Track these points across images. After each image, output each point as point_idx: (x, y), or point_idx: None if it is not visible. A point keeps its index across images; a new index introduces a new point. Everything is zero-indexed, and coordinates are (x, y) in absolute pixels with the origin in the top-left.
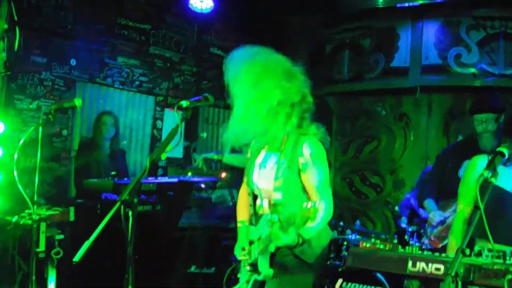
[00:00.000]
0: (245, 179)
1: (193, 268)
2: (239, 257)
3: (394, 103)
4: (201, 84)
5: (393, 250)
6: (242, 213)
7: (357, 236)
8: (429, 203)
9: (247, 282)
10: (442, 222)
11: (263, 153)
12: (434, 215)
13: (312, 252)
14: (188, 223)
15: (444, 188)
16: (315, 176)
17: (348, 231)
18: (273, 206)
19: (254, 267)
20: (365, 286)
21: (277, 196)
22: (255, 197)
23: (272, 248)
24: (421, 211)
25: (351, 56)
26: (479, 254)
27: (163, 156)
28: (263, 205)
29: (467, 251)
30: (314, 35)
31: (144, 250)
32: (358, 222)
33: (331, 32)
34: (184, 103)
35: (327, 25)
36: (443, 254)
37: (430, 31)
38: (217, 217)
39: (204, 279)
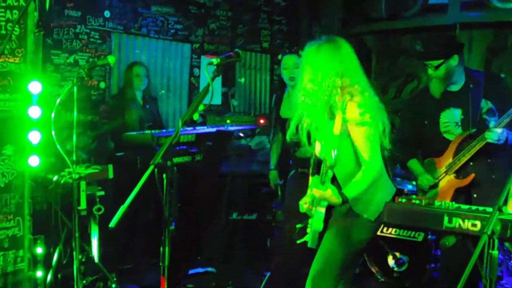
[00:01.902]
0: None
1: (234, 215)
2: (302, 210)
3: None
4: (237, 28)
5: (429, 206)
6: None
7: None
8: (415, 164)
9: (308, 233)
10: (435, 186)
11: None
12: (428, 179)
13: (374, 209)
14: (228, 170)
15: (426, 148)
16: (360, 135)
17: None
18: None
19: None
20: (405, 231)
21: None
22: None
23: (325, 202)
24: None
25: None
26: None
27: (195, 116)
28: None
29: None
30: None
31: (186, 199)
32: (398, 166)
33: None
34: (215, 61)
35: None
36: (480, 208)
37: None
38: (257, 163)
39: (246, 226)
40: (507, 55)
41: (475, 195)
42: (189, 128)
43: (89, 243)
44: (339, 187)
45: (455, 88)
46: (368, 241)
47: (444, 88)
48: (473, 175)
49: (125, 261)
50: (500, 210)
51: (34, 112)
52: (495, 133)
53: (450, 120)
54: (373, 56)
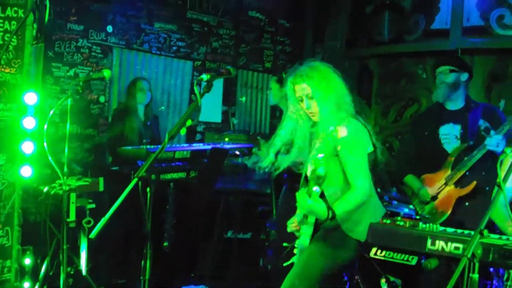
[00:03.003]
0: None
1: (229, 234)
2: (289, 230)
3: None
4: (240, 47)
5: (413, 228)
6: None
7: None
8: (413, 179)
9: (296, 254)
10: (434, 198)
11: (316, 143)
12: (427, 191)
13: (362, 230)
14: (223, 188)
15: (427, 161)
16: (349, 159)
17: (386, 198)
18: (317, 178)
19: None
20: (399, 255)
21: (321, 170)
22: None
23: (312, 219)
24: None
25: (391, 17)
26: None
27: (183, 131)
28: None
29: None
30: None
31: (181, 215)
32: (394, 189)
33: None
34: (205, 77)
35: None
36: (465, 232)
37: None
38: (253, 182)
39: (240, 244)
40: (507, 81)
41: (466, 203)
42: (185, 145)
43: (78, 256)
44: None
45: (455, 107)
46: (350, 261)
47: (448, 94)
48: (474, 182)
49: (118, 275)
50: (481, 233)
51: (29, 123)
52: (495, 139)
53: (450, 132)
54: (375, 79)
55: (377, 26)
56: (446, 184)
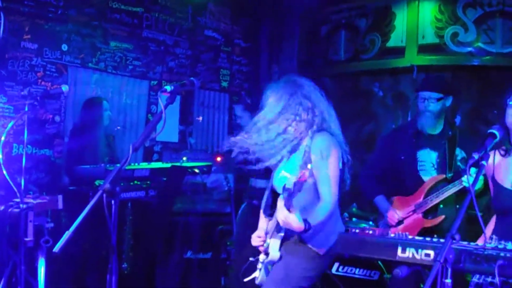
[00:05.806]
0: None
1: (189, 254)
2: (254, 243)
3: (391, 83)
4: (196, 67)
5: (383, 236)
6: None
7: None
8: (382, 201)
9: (260, 269)
10: (400, 222)
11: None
12: (394, 215)
13: (324, 243)
14: (183, 208)
15: (398, 183)
16: (319, 169)
17: (345, 214)
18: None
19: (267, 253)
20: (362, 270)
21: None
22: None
23: (282, 232)
24: None
25: (347, 36)
26: None
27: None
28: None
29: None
30: (310, 15)
31: (140, 235)
32: (354, 205)
33: (327, 12)
34: (168, 88)
35: (323, 6)
36: (435, 239)
37: (427, 9)
38: (212, 201)
39: (201, 265)
40: (462, 97)
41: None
42: (143, 163)
43: (35, 277)
44: None
45: (433, 131)
46: (314, 279)
47: (433, 124)
48: (443, 216)
49: None
50: (453, 238)
51: None
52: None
53: (427, 159)
54: (331, 98)
55: (333, 45)
56: (415, 211)
